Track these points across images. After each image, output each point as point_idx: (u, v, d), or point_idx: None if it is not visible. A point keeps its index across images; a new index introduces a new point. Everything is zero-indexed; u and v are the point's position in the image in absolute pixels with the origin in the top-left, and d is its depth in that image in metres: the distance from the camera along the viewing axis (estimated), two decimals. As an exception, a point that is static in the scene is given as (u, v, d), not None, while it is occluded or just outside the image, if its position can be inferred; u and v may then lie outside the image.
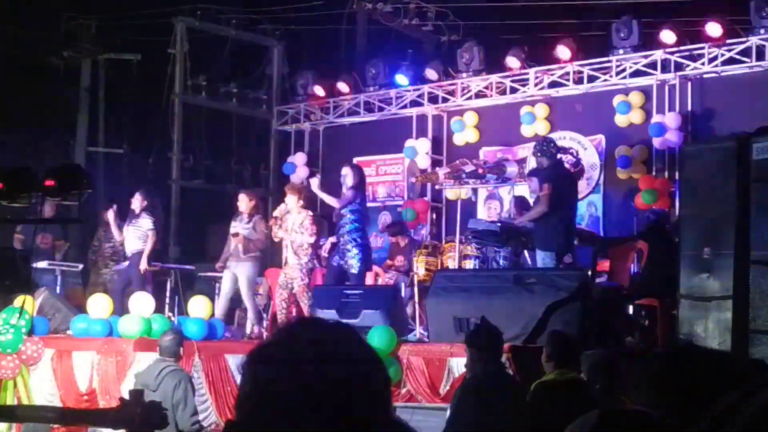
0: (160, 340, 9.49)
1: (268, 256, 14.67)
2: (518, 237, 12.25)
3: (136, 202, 14.15)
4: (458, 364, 10.24)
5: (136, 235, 13.96)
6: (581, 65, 16.18)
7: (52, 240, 15.14)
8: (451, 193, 15.97)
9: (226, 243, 13.48)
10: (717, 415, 1.55)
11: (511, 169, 14.06)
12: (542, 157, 12.03)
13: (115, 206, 14.88)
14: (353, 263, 12.38)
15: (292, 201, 12.81)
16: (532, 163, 13.77)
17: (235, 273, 13.15)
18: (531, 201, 13.16)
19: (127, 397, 8.36)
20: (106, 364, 11.16)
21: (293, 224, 12.67)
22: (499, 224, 12.67)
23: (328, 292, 12.25)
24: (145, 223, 14.01)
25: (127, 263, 14.38)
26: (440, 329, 10.87)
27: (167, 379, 8.88)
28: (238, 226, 13.22)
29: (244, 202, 13.37)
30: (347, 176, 12.79)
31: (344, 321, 10.10)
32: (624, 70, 15.75)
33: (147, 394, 8.71)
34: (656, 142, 15.21)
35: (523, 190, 13.94)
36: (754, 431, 1.43)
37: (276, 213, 13.06)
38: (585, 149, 16.01)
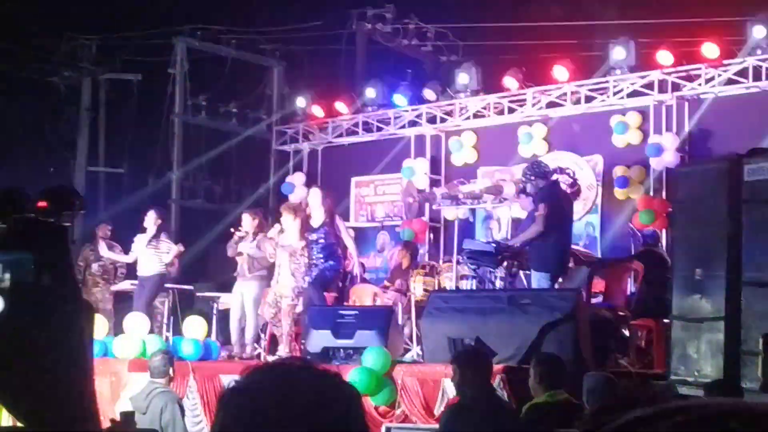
0: (150, 362, 9.49)
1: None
2: (513, 257, 12.24)
3: (150, 221, 13.86)
4: (452, 385, 10.23)
5: (155, 259, 13.71)
6: (578, 85, 16.22)
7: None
8: (448, 213, 15.98)
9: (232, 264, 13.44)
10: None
11: (509, 190, 14.07)
12: (536, 180, 12.01)
13: (109, 227, 14.84)
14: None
15: (287, 220, 12.80)
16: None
17: (242, 292, 13.11)
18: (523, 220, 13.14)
19: (118, 418, 8.38)
20: (100, 384, 11.11)
21: (291, 245, 12.62)
22: (494, 245, 12.66)
23: (322, 312, 12.24)
24: (166, 246, 13.86)
25: (128, 283, 14.37)
26: (435, 350, 10.86)
27: (155, 401, 8.88)
28: (242, 246, 13.17)
29: (248, 222, 13.31)
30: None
31: (340, 341, 10.13)
32: (621, 90, 15.79)
33: (138, 416, 8.74)
34: (653, 162, 15.24)
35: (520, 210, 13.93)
36: None
37: (270, 234, 13.04)
38: (582, 169, 16.01)
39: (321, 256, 12.39)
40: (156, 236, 13.89)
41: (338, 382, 1.79)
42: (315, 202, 12.62)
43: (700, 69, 15.13)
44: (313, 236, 12.42)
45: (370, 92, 18.72)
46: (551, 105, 16.55)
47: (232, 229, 13.48)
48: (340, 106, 19.02)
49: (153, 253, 13.80)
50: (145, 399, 8.95)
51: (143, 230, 14.00)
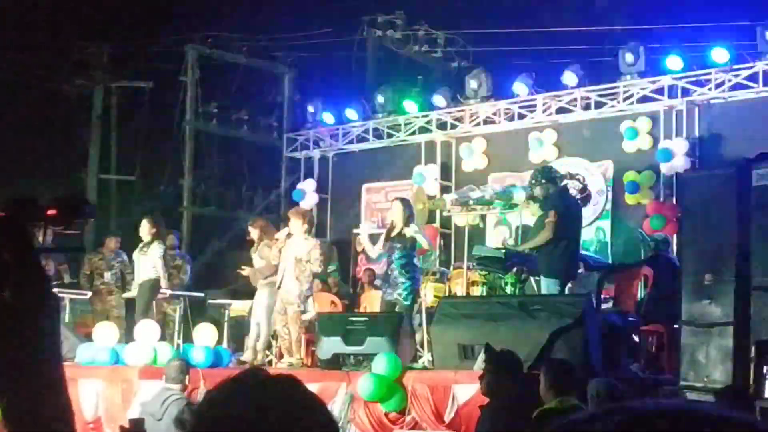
0: (166, 368, 9.52)
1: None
2: (523, 263, 12.24)
3: (144, 230, 13.70)
4: (462, 391, 10.23)
5: (147, 265, 13.56)
6: (589, 91, 16.23)
7: (56, 265, 15.04)
8: (459, 219, 15.98)
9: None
10: None
11: (519, 196, 14.07)
12: (547, 184, 11.98)
13: (118, 238, 14.90)
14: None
15: (295, 225, 12.76)
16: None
17: (255, 299, 13.17)
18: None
19: (128, 425, 8.42)
20: (111, 392, 11.19)
21: (298, 250, 12.58)
22: (503, 251, 12.66)
23: (333, 319, 12.25)
24: (156, 251, 13.72)
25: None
26: (445, 356, 10.85)
27: (171, 408, 8.90)
28: (253, 255, 13.29)
29: (252, 233, 13.40)
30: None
31: (350, 348, 10.12)
32: (631, 95, 15.78)
33: (152, 423, 8.78)
34: (664, 167, 15.22)
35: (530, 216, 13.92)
36: None
37: (277, 236, 13.02)
38: (592, 175, 16.01)
39: (401, 267, 12.14)
40: (148, 244, 13.71)
41: (303, 390, 1.79)
42: (397, 214, 12.42)
43: (710, 74, 15.13)
44: (397, 246, 12.22)
45: (381, 99, 18.75)
46: (561, 110, 16.55)
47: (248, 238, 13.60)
48: (350, 112, 19.06)
49: (144, 259, 13.67)
50: (161, 406, 8.98)
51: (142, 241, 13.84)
